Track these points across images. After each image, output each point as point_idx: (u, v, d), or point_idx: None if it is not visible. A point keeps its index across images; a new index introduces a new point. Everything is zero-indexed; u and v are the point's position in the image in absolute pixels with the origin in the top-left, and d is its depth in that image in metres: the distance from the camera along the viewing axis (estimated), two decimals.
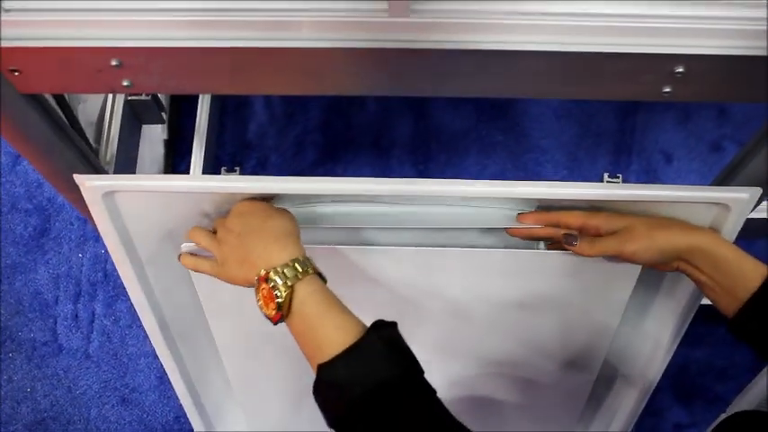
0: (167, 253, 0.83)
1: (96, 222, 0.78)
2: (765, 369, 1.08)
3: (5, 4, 0.55)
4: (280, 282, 0.65)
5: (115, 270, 1.33)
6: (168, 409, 1.26)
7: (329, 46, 0.56)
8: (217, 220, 0.74)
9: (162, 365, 1.27)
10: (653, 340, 0.95)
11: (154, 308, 0.92)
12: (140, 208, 0.77)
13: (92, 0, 0.56)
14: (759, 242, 1.30)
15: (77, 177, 0.72)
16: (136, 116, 0.93)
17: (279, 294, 0.65)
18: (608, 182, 0.78)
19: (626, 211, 0.73)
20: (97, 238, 1.36)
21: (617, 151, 1.38)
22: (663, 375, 0.95)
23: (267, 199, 0.74)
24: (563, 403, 1.09)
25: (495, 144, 1.39)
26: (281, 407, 1.12)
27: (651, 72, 0.57)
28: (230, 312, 0.92)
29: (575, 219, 0.74)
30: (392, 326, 0.63)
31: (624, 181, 1.15)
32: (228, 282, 0.72)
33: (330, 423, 0.61)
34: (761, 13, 0.55)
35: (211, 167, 1.29)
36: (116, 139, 0.87)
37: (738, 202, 0.70)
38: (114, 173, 0.98)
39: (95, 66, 0.58)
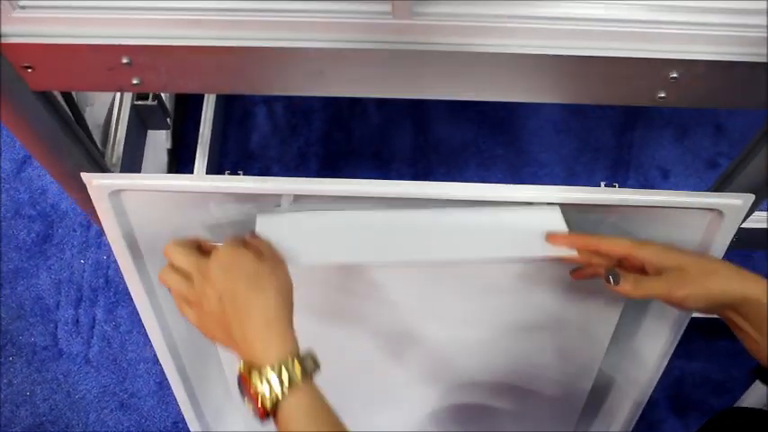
0: None
1: (102, 221, 0.79)
2: None
3: (21, 2, 0.57)
4: (265, 391, 0.59)
5: (116, 276, 1.35)
6: (167, 415, 1.26)
7: (333, 47, 0.57)
8: (194, 260, 0.65)
9: (161, 372, 1.28)
10: (646, 350, 0.95)
11: (156, 310, 0.93)
12: (146, 208, 0.78)
13: None
14: (759, 253, 1.31)
15: (85, 176, 0.74)
16: (142, 121, 0.95)
17: (263, 402, 0.59)
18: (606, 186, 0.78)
19: (672, 247, 0.69)
20: (99, 244, 1.37)
21: (614, 166, 1.40)
22: (659, 388, 0.96)
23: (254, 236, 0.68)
24: (558, 414, 1.09)
25: (494, 157, 1.40)
26: None
27: (645, 77, 0.59)
28: None
29: (620, 247, 0.67)
30: None
31: None
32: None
33: None
34: (759, 20, 0.56)
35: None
36: (122, 143, 0.88)
37: (732, 208, 0.72)
38: None
39: (106, 63, 0.60)
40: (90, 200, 0.77)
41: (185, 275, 0.66)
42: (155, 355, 1.28)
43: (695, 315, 0.88)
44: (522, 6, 0.57)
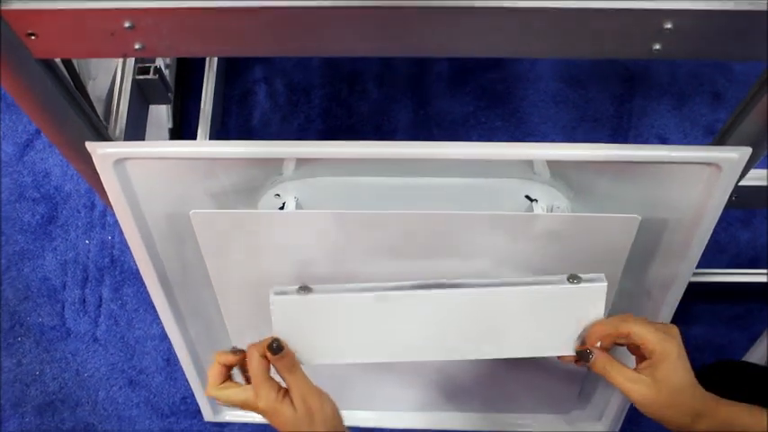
0: (178, 225, 0.85)
1: (107, 192, 0.80)
2: (765, 332, 1.10)
3: None
4: None
5: (122, 256, 1.37)
6: (175, 391, 1.28)
7: (333, 5, 0.58)
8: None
9: (168, 348, 1.29)
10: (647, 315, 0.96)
11: (164, 283, 0.94)
12: (151, 177, 0.79)
13: None
14: (757, 219, 1.33)
15: (89, 145, 0.75)
16: (143, 96, 0.96)
17: None
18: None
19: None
20: (104, 225, 1.39)
21: (614, 135, 1.41)
22: None
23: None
24: (560, 384, 1.11)
25: (494, 129, 1.41)
26: None
27: (639, 28, 0.59)
28: (241, 292, 0.93)
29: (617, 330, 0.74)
30: None
31: None
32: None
33: None
34: None
35: None
36: (125, 117, 0.89)
37: (729, 161, 0.72)
38: None
39: (109, 28, 0.61)
40: (95, 171, 0.78)
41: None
42: (161, 333, 1.30)
43: (694, 280, 0.89)
44: None
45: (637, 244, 0.83)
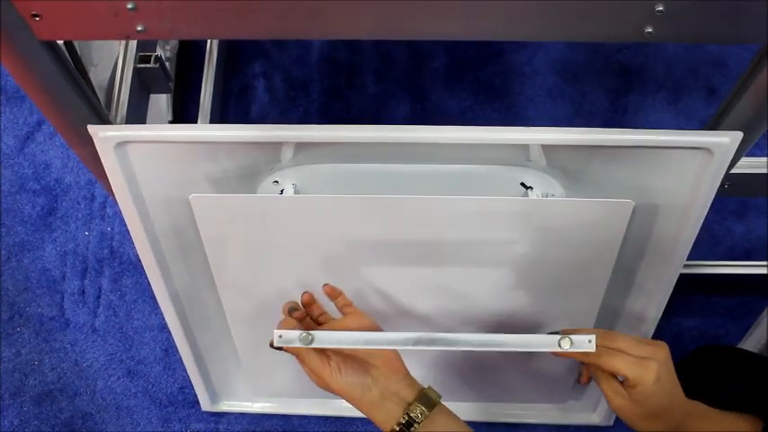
0: (178, 209, 0.86)
1: (108, 176, 0.81)
2: (765, 311, 1.11)
3: None
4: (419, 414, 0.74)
5: (121, 247, 1.37)
6: (173, 381, 1.29)
7: None
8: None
9: (167, 339, 1.30)
10: (637, 309, 0.97)
11: (163, 269, 0.95)
12: (152, 161, 0.80)
13: None
14: (755, 205, 1.34)
15: (91, 128, 0.76)
16: (144, 84, 0.96)
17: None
18: None
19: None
20: (103, 216, 1.40)
21: None
22: None
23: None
24: (556, 374, 1.12)
25: (491, 123, 1.42)
26: (288, 380, 1.14)
27: (631, 10, 0.60)
28: (239, 277, 0.94)
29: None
30: None
31: None
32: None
33: None
34: None
35: None
36: (125, 105, 0.90)
37: (720, 146, 0.73)
38: None
39: (111, 9, 0.62)
40: (96, 157, 0.79)
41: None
42: (160, 323, 1.31)
43: (685, 272, 0.90)
44: None
45: (630, 230, 0.84)
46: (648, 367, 0.73)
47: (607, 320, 1.00)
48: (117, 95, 0.92)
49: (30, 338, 1.32)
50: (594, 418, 1.21)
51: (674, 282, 0.91)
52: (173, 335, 1.06)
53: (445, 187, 0.84)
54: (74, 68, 0.72)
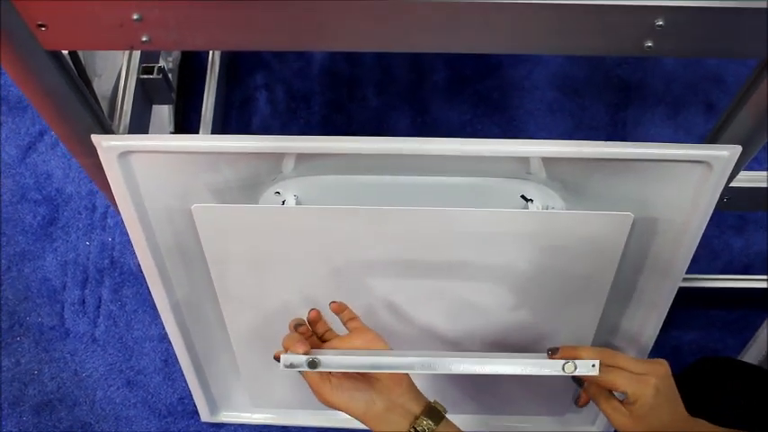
0: (180, 219, 0.86)
1: (111, 186, 0.81)
2: (764, 325, 1.11)
3: None
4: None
5: (121, 257, 1.38)
6: (172, 391, 1.29)
7: None
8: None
9: (166, 349, 1.30)
10: (636, 326, 0.98)
11: (164, 278, 0.95)
12: (155, 171, 0.80)
13: None
14: (753, 219, 1.34)
15: (95, 137, 0.76)
16: (147, 95, 0.97)
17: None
18: None
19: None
20: (104, 227, 1.40)
21: None
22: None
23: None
24: (555, 386, 1.12)
25: (491, 137, 1.43)
26: (288, 391, 1.14)
27: (631, 25, 0.61)
28: (241, 288, 0.94)
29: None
30: None
31: None
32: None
33: None
34: None
35: None
36: (128, 115, 0.91)
37: (719, 160, 0.74)
38: None
39: (117, 20, 0.62)
40: (99, 166, 0.80)
41: None
42: (160, 334, 1.32)
43: (684, 285, 0.91)
44: None
45: (629, 243, 0.85)
46: (647, 382, 0.74)
47: (606, 333, 1.00)
48: (120, 106, 0.92)
49: (29, 348, 1.32)
50: (593, 430, 1.21)
51: (674, 295, 0.91)
52: (173, 345, 1.06)
53: (446, 199, 0.85)
54: (78, 78, 0.73)
